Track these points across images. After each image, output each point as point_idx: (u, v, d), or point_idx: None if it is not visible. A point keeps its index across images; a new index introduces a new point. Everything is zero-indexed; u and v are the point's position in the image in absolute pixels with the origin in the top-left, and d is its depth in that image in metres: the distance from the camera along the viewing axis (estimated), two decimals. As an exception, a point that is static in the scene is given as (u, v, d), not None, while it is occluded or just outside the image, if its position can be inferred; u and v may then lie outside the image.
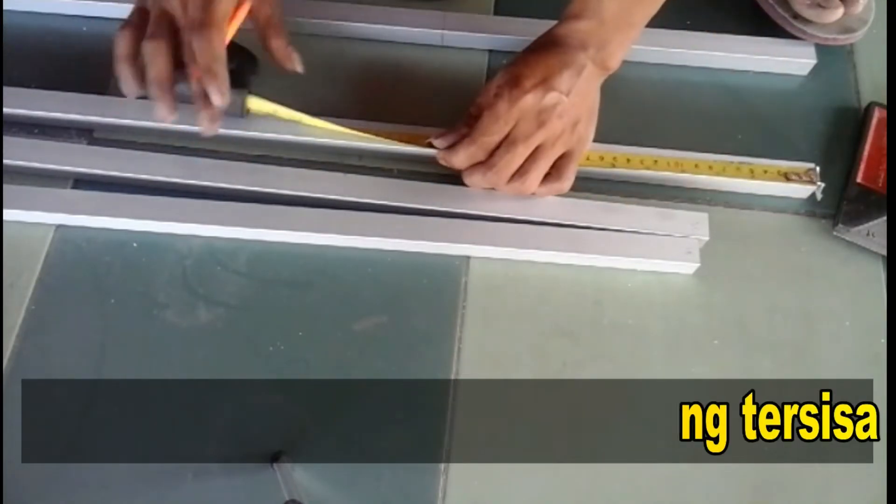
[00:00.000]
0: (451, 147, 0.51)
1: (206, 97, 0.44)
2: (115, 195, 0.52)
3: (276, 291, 0.51)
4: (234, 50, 0.50)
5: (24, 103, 0.55)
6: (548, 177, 0.52)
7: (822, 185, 0.54)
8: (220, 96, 0.44)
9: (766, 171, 0.55)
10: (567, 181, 0.52)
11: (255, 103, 0.52)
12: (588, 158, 0.54)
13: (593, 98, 0.52)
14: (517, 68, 0.49)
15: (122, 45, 0.46)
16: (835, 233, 0.54)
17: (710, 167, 0.55)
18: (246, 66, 0.52)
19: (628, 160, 0.55)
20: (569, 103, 0.48)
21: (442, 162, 0.52)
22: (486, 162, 0.51)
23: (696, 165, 0.55)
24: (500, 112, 0.48)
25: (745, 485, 0.47)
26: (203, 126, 0.46)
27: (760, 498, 0.47)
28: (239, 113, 0.52)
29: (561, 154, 0.51)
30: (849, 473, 0.48)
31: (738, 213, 0.56)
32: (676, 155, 0.55)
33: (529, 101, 0.48)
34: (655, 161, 0.55)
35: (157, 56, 0.44)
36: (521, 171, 0.51)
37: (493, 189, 0.52)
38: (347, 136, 0.53)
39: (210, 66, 0.43)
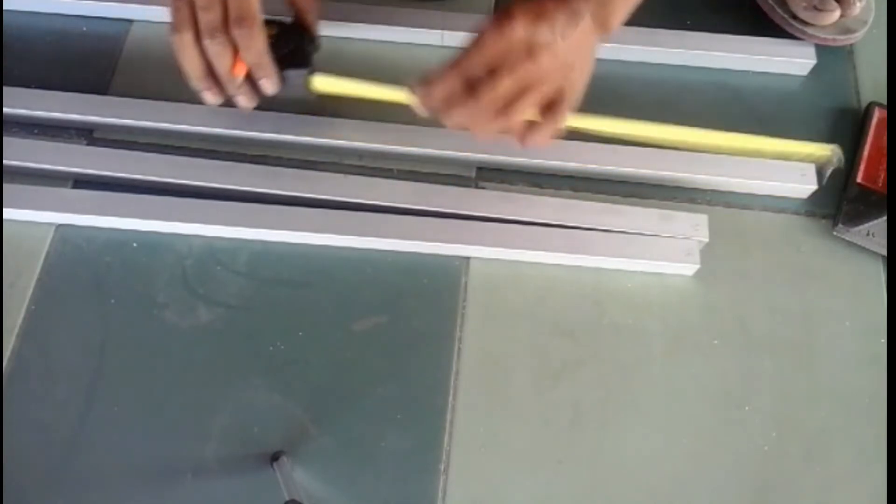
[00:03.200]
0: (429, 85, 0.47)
1: (256, 86, 0.49)
2: (115, 195, 0.52)
3: (276, 291, 0.51)
4: (290, 30, 0.50)
5: (24, 103, 0.56)
6: (538, 121, 0.48)
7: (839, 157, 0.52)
8: (272, 86, 0.49)
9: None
10: (560, 122, 0.48)
11: (321, 82, 0.51)
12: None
13: (589, 55, 0.49)
14: (512, 6, 0.45)
15: (191, 57, 0.48)
16: (835, 233, 0.54)
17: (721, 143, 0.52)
18: (305, 45, 0.51)
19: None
20: (563, 47, 0.45)
21: (422, 105, 0.48)
22: (469, 94, 0.46)
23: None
24: (486, 40, 0.45)
25: (745, 485, 0.47)
26: (243, 104, 0.50)
27: (760, 498, 0.47)
28: (304, 94, 0.51)
29: (553, 97, 0.47)
30: (849, 473, 0.48)
31: (738, 213, 0.56)
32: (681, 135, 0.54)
33: (519, 32, 0.44)
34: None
35: (223, 57, 0.47)
36: (506, 106, 0.46)
37: (475, 133, 0.48)
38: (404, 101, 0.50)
39: (258, 61, 0.48)
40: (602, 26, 0.48)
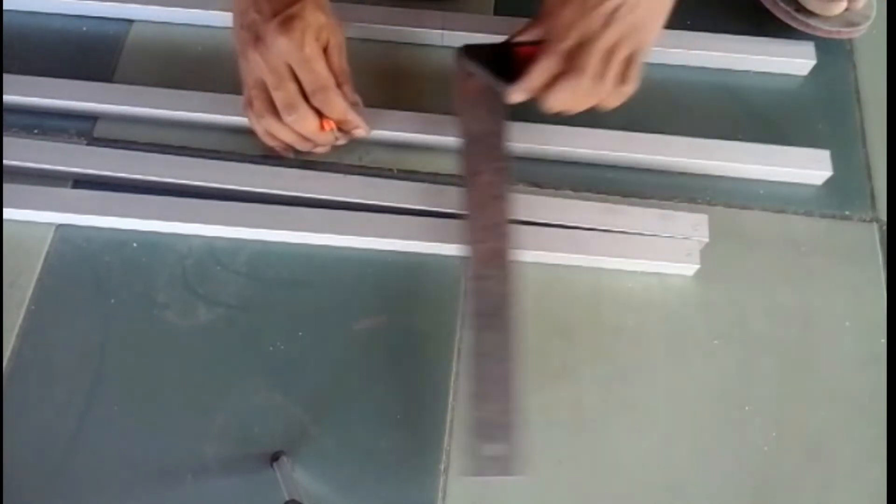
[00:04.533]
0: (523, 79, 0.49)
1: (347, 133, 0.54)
2: (115, 195, 0.52)
3: (276, 291, 0.51)
4: None
5: (23, 101, 0.56)
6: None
7: None
8: (365, 132, 0.54)
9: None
10: (633, 84, 0.50)
11: None
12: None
13: (660, 12, 0.49)
14: None
15: (278, 133, 0.52)
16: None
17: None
18: None
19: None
20: (633, 2, 0.46)
21: (521, 95, 0.49)
22: (568, 69, 0.47)
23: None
24: (568, 16, 0.47)
25: (745, 485, 0.47)
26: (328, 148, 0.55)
27: (760, 498, 0.47)
28: None
29: (627, 55, 0.49)
30: (849, 473, 0.48)
31: (738, 213, 0.56)
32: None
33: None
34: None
35: (307, 122, 0.50)
36: (597, 75, 0.48)
37: (572, 110, 0.50)
38: None
39: (344, 118, 0.52)
40: None
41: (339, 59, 0.51)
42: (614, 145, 0.55)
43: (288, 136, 0.52)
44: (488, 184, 0.51)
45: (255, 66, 0.48)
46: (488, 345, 0.46)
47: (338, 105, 0.50)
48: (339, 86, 0.50)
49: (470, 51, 0.53)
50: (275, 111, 0.50)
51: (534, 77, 0.49)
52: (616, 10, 0.47)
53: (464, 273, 0.52)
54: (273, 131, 0.51)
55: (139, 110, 0.56)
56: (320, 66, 0.48)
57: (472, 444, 0.44)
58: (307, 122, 0.50)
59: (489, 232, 0.49)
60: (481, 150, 0.52)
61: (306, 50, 0.47)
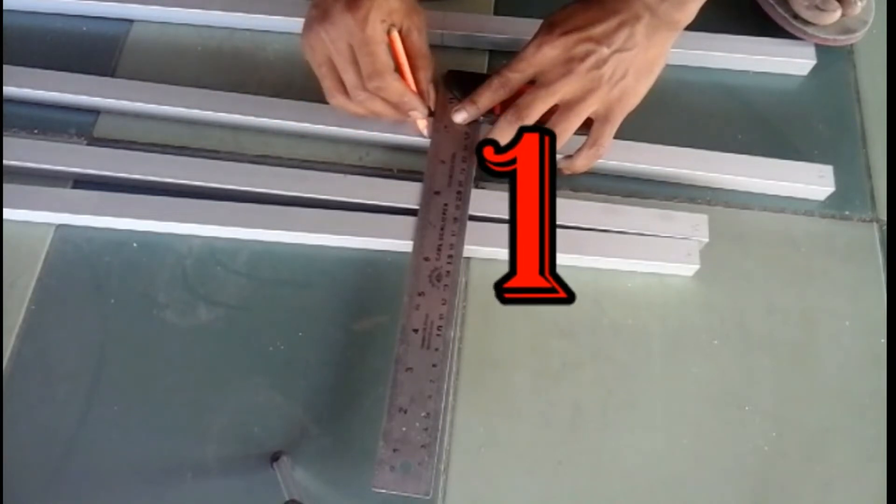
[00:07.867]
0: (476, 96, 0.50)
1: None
2: (115, 195, 0.52)
3: (276, 291, 0.51)
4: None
5: (27, 82, 0.57)
6: (584, 143, 0.50)
7: None
8: (421, 116, 0.51)
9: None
10: (602, 147, 0.49)
11: None
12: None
13: (653, 54, 0.48)
14: (556, 15, 0.47)
15: (351, 110, 0.51)
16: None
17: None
18: None
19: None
20: (608, 54, 0.45)
21: (465, 113, 0.51)
22: (512, 105, 0.48)
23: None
24: (526, 54, 0.46)
25: (745, 485, 0.47)
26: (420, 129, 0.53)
27: (760, 498, 0.47)
28: None
29: (600, 114, 0.48)
30: (849, 473, 0.48)
31: (738, 213, 0.56)
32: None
33: (558, 46, 0.45)
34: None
35: (372, 103, 0.49)
36: (550, 124, 0.48)
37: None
38: None
39: (400, 101, 0.49)
40: (668, 20, 0.46)
41: (419, 41, 0.49)
42: (616, 155, 0.54)
43: (358, 112, 0.51)
44: (445, 205, 0.51)
45: (319, 45, 0.47)
46: (414, 360, 0.46)
47: (392, 90, 0.48)
48: (414, 70, 0.49)
49: (453, 76, 0.54)
50: (344, 90, 0.49)
51: (479, 98, 0.49)
52: (578, 62, 0.45)
53: (463, 273, 0.52)
54: (346, 108, 0.50)
55: (140, 106, 0.56)
56: (380, 50, 0.46)
57: (378, 453, 0.43)
58: (371, 102, 0.49)
59: (438, 252, 0.50)
60: (446, 171, 0.53)
61: (367, 31, 0.45)
